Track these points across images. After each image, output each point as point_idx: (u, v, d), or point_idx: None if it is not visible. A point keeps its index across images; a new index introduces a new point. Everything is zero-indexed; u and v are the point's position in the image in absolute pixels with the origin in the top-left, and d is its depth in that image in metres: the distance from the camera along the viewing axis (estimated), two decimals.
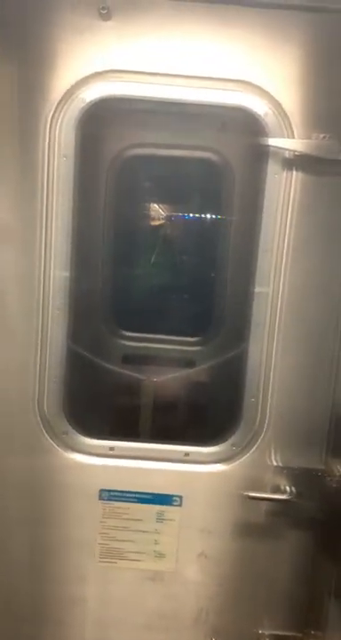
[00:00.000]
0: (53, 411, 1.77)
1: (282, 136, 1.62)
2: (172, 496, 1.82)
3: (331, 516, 1.76)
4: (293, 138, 1.62)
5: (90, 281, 2.38)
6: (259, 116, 1.62)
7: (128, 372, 2.52)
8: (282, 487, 1.78)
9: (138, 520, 1.84)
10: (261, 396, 1.76)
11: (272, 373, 1.75)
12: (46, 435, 1.78)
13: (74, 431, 1.80)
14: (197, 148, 2.36)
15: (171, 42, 1.59)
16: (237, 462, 1.80)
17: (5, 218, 1.66)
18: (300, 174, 1.64)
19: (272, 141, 1.62)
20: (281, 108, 1.61)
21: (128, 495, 1.82)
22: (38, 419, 1.77)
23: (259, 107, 1.61)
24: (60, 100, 1.60)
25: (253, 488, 1.78)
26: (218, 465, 1.81)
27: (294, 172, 1.64)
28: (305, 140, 1.61)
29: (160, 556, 1.86)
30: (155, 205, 2.65)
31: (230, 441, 1.80)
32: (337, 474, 1.74)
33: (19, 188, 1.64)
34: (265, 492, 1.79)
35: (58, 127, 1.61)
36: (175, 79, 1.61)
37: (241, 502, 1.80)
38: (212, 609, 1.89)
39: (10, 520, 1.83)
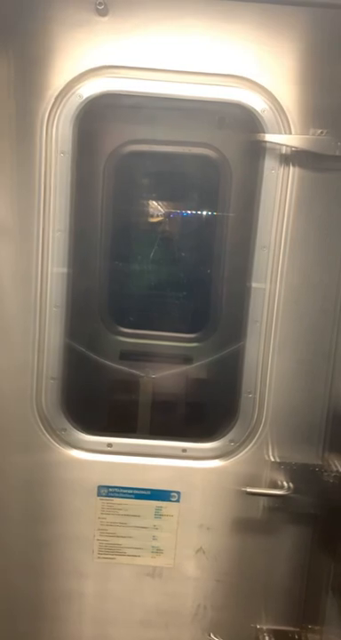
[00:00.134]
0: (51, 407, 1.77)
1: (279, 132, 1.62)
2: (170, 492, 1.82)
3: (329, 511, 1.77)
4: (290, 134, 1.62)
5: (87, 278, 2.39)
6: (256, 111, 1.62)
7: (125, 369, 2.52)
8: (280, 482, 1.78)
9: (137, 516, 1.84)
10: (258, 392, 1.77)
11: (269, 369, 1.75)
12: (44, 431, 1.78)
13: (72, 428, 1.80)
14: (194, 144, 2.36)
15: (168, 38, 1.58)
16: (235, 458, 1.81)
17: (2, 214, 1.65)
18: (297, 170, 1.64)
19: (269, 137, 1.62)
20: (279, 104, 1.61)
21: (126, 491, 1.82)
22: (36, 415, 1.77)
23: (256, 103, 1.61)
24: (57, 97, 1.60)
25: (251, 483, 1.79)
26: (216, 461, 1.81)
27: (291, 168, 1.64)
28: (302, 136, 1.62)
29: (158, 551, 1.86)
30: (152, 202, 2.65)
31: (228, 437, 1.81)
32: (335, 469, 1.75)
33: (16, 185, 1.64)
34: (263, 487, 1.80)
35: (55, 123, 1.61)
36: (172, 75, 1.61)
37: (238, 498, 1.81)
38: (210, 604, 1.90)
39: (8, 516, 1.83)
